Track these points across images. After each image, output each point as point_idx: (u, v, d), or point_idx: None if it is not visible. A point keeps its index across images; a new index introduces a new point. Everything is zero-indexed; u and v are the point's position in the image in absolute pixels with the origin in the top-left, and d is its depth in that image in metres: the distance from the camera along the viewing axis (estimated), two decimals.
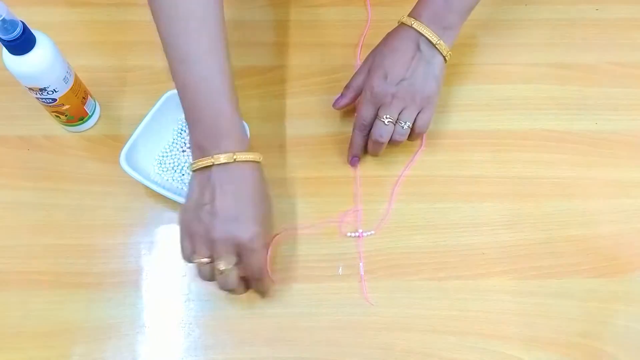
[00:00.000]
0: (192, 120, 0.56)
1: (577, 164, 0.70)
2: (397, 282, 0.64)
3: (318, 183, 0.68)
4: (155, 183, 0.63)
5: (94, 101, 0.70)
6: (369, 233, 0.66)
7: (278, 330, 0.62)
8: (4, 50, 0.57)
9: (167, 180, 0.67)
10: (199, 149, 0.56)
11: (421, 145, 0.70)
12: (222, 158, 0.54)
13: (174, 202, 0.62)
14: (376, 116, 0.63)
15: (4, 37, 0.55)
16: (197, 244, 0.56)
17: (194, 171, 0.57)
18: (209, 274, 0.57)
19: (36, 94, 0.62)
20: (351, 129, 0.67)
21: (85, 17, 0.77)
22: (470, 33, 0.77)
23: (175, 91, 0.66)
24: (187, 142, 0.69)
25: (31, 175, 0.68)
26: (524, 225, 0.67)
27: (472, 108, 0.73)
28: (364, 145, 0.67)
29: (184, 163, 0.68)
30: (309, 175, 0.69)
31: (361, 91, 0.65)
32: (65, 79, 0.62)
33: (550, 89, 0.74)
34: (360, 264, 0.65)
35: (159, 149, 0.68)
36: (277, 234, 0.64)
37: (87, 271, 0.63)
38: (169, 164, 0.68)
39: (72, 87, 0.63)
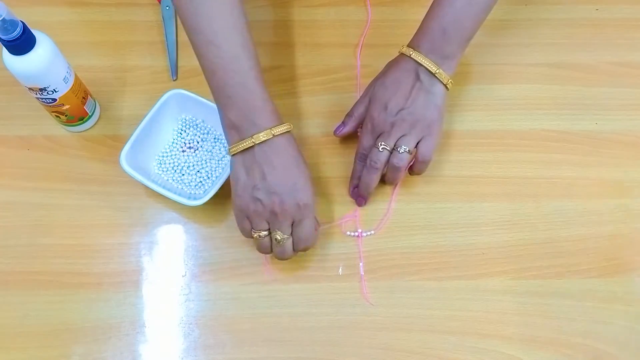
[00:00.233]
0: (224, 101, 0.57)
1: (577, 164, 0.70)
2: (397, 282, 0.64)
3: (318, 183, 0.68)
4: (155, 183, 0.63)
5: (94, 101, 0.70)
6: (368, 233, 0.66)
7: (278, 330, 0.62)
8: (4, 50, 0.57)
9: (167, 180, 0.67)
10: (234, 129, 0.57)
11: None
12: (262, 136, 0.56)
13: (174, 202, 0.62)
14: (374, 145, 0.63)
15: (4, 37, 0.55)
16: (256, 221, 0.58)
17: (234, 155, 0.58)
18: (268, 247, 0.60)
19: (36, 94, 0.62)
20: (347, 113, 0.67)
21: (85, 17, 0.77)
22: None
23: (175, 91, 0.66)
24: (187, 142, 0.69)
25: (31, 175, 0.68)
26: (524, 225, 0.67)
27: (472, 108, 0.73)
28: None
29: (184, 163, 0.68)
30: None
31: (362, 120, 0.65)
32: (65, 79, 0.62)
33: (550, 89, 0.74)
34: (360, 264, 0.65)
35: (159, 149, 0.68)
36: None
37: (87, 271, 0.63)
38: (169, 164, 0.67)
39: (72, 87, 0.63)
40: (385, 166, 0.63)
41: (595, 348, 0.62)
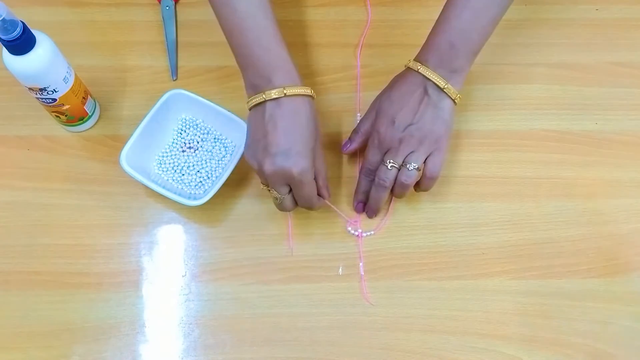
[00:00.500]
0: (243, 61, 0.59)
1: (577, 164, 0.70)
2: (397, 282, 0.64)
3: None
4: (155, 183, 0.63)
5: (94, 101, 0.70)
6: (368, 233, 0.66)
7: (278, 330, 0.62)
8: (4, 50, 0.57)
9: (167, 180, 0.67)
10: (252, 88, 0.59)
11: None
12: (274, 93, 0.56)
13: (174, 202, 0.62)
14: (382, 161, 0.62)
15: (4, 37, 0.55)
16: (258, 175, 0.59)
17: (249, 110, 0.59)
18: (273, 200, 0.61)
19: (36, 94, 0.62)
20: (351, 130, 0.67)
21: (85, 17, 0.77)
22: None
23: (175, 91, 0.66)
24: (187, 142, 0.69)
25: (31, 175, 0.68)
26: (524, 225, 0.67)
27: (472, 108, 0.73)
28: (369, 191, 0.65)
29: (184, 163, 0.68)
30: None
31: (369, 135, 0.64)
32: (65, 79, 0.62)
33: (550, 89, 0.74)
34: (360, 264, 0.65)
35: (159, 149, 0.68)
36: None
37: (87, 271, 0.63)
38: (169, 164, 0.67)
39: (72, 87, 0.63)
40: (393, 183, 0.62)
41: (595, 348, 0.62)
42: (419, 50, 0.63)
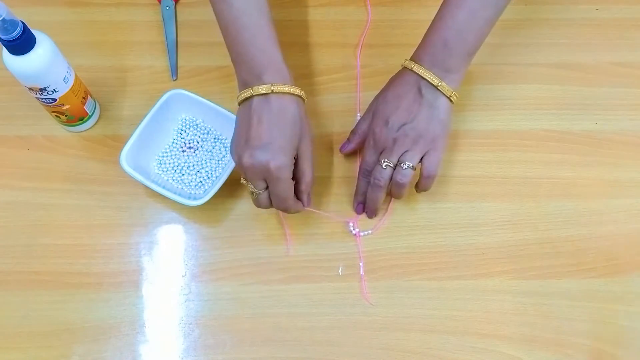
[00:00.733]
0: (236, 57, 0.59)
1: (577, 164, 0.70)
2: (397, 282, 0.64)
3: (318, 183, 0.68)
4: (155, 183, 0.63)
5: (94, 101, 0.70)
6: (365, 232, 0.66)
7: (278, 330, 0.62)
8: (4, 50, 0.57)
9: (167, 180, 0.67)
10: (242, 83, 0.59)
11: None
12: (262, 89, 0.56)
13: (174, 202, 0.62)
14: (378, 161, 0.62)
15: (4, 37, 0.55)
16: (238, 169, 0.59)
17: (239, 104, 0.59)
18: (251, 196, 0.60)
19: (36, 94, 0.62)
20: (351, 130, 0.67)
21: (85, 17, 0.77)
22: None
23: (175, 91, 0.66)
24: (187, 142, 0.69)
25: (31, 175, 0.68)
26: (524, 225, 0.67)
27: (471, 108, 0.73)
28: None
29: (184, 163, 0.68)
30: None
31: (366, 136, 0.64)
32: (65, 79, 0.62)
33: (550, 89, 0.74)
34: (360, 264, 0.65)
35: (159, 149, 0.68)
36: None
37: (87, 271, 0.63)
38: (169, 164, 0.67)
39: (72, 87, 0.63)
40: (389, 183, 0.62)
41: (595, 348, 0.62)
42: (414, 50, 0.63)
